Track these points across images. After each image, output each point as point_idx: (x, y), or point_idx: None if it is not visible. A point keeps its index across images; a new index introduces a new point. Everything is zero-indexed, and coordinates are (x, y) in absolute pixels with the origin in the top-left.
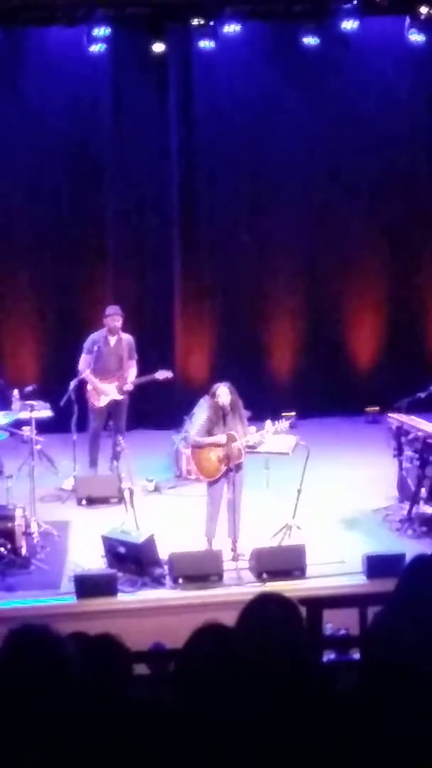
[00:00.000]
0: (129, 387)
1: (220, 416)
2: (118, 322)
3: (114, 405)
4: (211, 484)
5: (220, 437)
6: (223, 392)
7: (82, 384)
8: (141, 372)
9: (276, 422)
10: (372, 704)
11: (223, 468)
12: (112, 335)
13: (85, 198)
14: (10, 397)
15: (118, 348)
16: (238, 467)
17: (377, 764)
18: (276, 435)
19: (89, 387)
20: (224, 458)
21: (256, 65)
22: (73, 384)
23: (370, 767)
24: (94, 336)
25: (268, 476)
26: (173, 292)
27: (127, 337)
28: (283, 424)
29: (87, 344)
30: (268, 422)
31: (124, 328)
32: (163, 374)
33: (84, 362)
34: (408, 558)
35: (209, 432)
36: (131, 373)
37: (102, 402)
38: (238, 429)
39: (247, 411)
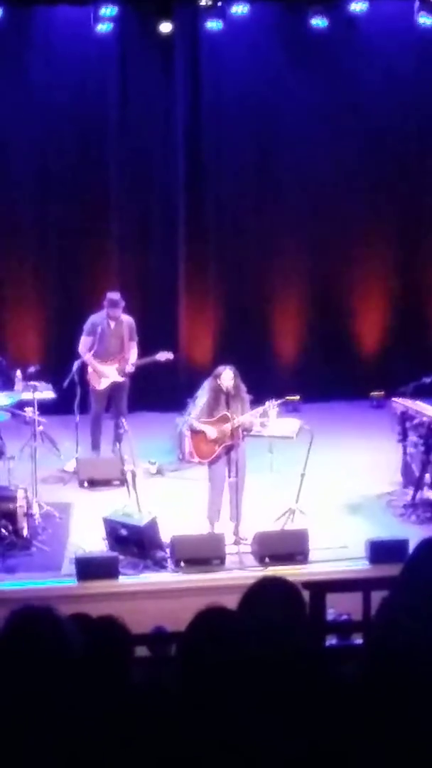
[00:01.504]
0: (130, 369)
1: (221, 399)
2: (118, 313)
3: (115, 387)
4: (210, 466)
5: (209, 426)
6: (227, 375)
7: (83, 366)
8: (143, 353)
9: (273, 401)
10: (375, 689)
11: (217, 449)
12: (113, 318)
13: (90, 178)
14: (13, 377)
15: (119, 330)
16: (235, 448)
17: (379, 750)
18: (273, 420)
19: (89, 369)
20: (217, 440)
21: (263, 46)
22: (76, 365)
23: (372, 752)
24: (94, 318)
25: (271, 460)
26: (178, 273)
27: (127, 319)
28: (275, 403)
29: (87, 326)
30: (267, 402)
31: (128, 310)
32: (163, 355)
33: (84, 345)
34: (412, 543)
35: (209, 414)
36: (132, 354)
37: (102, 385)
38: (239, 412)
39: (250, 395)
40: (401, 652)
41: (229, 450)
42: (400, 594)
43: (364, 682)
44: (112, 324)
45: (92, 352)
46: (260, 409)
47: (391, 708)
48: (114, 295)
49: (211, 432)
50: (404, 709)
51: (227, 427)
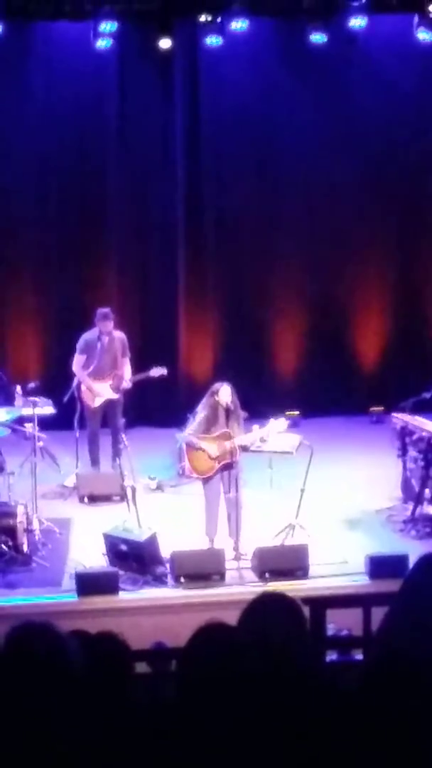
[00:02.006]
0: (127, 385)
1: (219, 415)
2: (110, 327)
3: (109, 404)
4: (205, 482)
5: (209, 443)
6: (225, 391)
7: (78, 384)
8: (142, 368)
9: (274, 419)
10: (375, 704)
11: (216, 466)
12: (105, 335)
13: (89, 193)
14: (13, 393)
15: (112, 346)
16: (233, 466)
17: (379, 765)
18: (273, 435)
19: (83, 388)
20: (217, 457)
21: (263, 62)
22: (75, 381)
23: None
24: (86, 336)
25: (271, 475)
26: (177, 288)
27: (119, 335)
28: (281, 423)
29: (80, 344)
30: (272, 420)
31: (127, 325)
32: (157, 371)
33: (77, 363)
34: (411, 559)
35: (206, 430)
36: (126, 371)
37: (97, 402)
38: (236, 429)
39: (244, 412)
40: (401, 668)
41: (226, 467)
42: (400, 610)
43: (363, 697)
44: (105, 341)
45: (87, 371)
46: (266, 429)
47: (391, 723)
48: (104, 309)
49: (212, 449)
50: (404, 724)
51: (228, 444)
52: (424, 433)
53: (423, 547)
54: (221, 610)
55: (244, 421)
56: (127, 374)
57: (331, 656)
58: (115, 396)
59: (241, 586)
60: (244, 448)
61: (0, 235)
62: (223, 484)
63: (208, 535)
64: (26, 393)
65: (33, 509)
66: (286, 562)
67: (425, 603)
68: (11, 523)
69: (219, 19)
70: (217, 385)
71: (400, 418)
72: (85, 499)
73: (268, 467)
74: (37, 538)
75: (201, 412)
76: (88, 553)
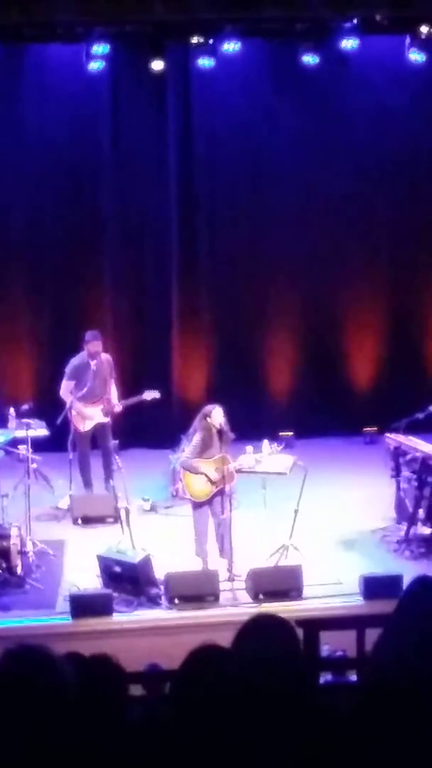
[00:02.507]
0: (117, 409)
1: (214, 438)
2: (99, 347)
3: (98, 427)
4: (195, 506)
5: (209, 467)
6: (218, 413)
7: (69, 408)
8: (135, 391)
9: (273, 444)
10: (369, 726)
11: (214, 490)
12: (94, 359)
13: (82, 214)
14: (7, 415)
15: (101, 370)
16: (224, 489)
17: None
18: (267, 456)
19: (73, 412)
20: (216, 481)
21: (255, 83)
22: (69, 403)
23: None
24: (74, 361)
25: (265, 496)
26: (171, 309)
27: (106, 357)
28: (277, 448)
29: (68, 369)
30: (266, 442)
31: (116, 348)
32: (150, 395)
33: (65, 389)
34: (406, 579)
35: (201, 453)
36: (113, 393)
37: (87, 427)
38: (227, 450)
39: (232, 434)
40: (395, 690)
41: (221, 492)
42: (393, 632)
43: (358, 719)
44: (94, 364)
45: (78, 395)
46: (261, 453)
47: (385, 745)
48: (93, 331)
49: (212, 474)
50: (398, 746)
51: (226, 468)
52: (417, 454)
53: (417, 568)
54: (215, 632)
55: (232, 442)
56: (113, 396)
57: (326, 677)
58: (105, 420)
59: (235, 607)
60: (238, 470)
61: None
62: (211, 506)
63: (198, 556)
64: (19, 415)
65: (27, 531)
66: (280, 583)
67: (419, 625)
68: (5, 545)
69: (211, 41)
70: (209, 408)
71: (393, 438)
72: (79, 521)
73: (261, 488)
74: (30, 560)
75: (196, 435)
76: (82, 575)
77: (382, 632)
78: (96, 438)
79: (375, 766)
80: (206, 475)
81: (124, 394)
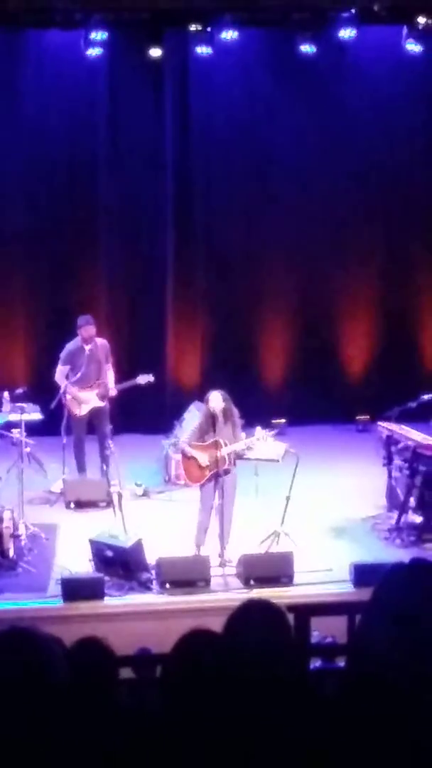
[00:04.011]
0: (112, 393)
1: (210, 423)
2: (92, 331)
3: (95, 411)
4: (201, 488)
5: (200, 452)
6: (215, 398)
7: (63, 393)
8: (129, 375)
9: (265, 430)
10: (355, 712)
11: (208, 474)
12: (88, 344)
13: (79, 201)
14: (0, 399)
15: (96, 354)
16: (226, 473)
17: None
18: (262, 442)
19: (68, 397)
20: (209, 465)
21: (253, 72)
22: (62, 387)
23: None
24: (69, 346)
25: (257, 483)
26: (165, 295)
27: (102, 342)
28: (269, 433)
29: (63, 354)
30: (258, 428)
31: (111, 333)
32: (144, 378)
33: (60, 373)
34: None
35: (200, 438)
36: (109, 377)
37: (82, 411)
38: (228, 437)
39: (241, 419)
40: (375, 673)
41: (217, 475)
42: (371, 617)
43: (345, 701)
44: (88, 349)
45: (72, 379)
46: (252, 439)
47: (371, 730)
48: (85, 315)
49: (203, 459)
50: (384, 731)
51: (219, 453)
52: (409, 442)
53: (407, 556)
54: (206, 617)
55: (240, 429)
56: (110, 381)
57: (315, 663)
58: (101, 404)
59: (226, 592)
60: (238, 456)
61: None
62: (216, 492)
63: (196, 542)
64: (13, 399)
65: (19, 514)
66: (271, 570)
67: (392, 612)
68: None
69: (209, 29)
70: (210, 392)
71: (385, 426)
72: (72, 505)
73: (254, 475)
74: (23, 543)
75: (191, 419)
76: (74, 559)
77: (361, 618)
78: (93, 423)
79: (363, 751)
80: (197, 460)
81: (119, 379)
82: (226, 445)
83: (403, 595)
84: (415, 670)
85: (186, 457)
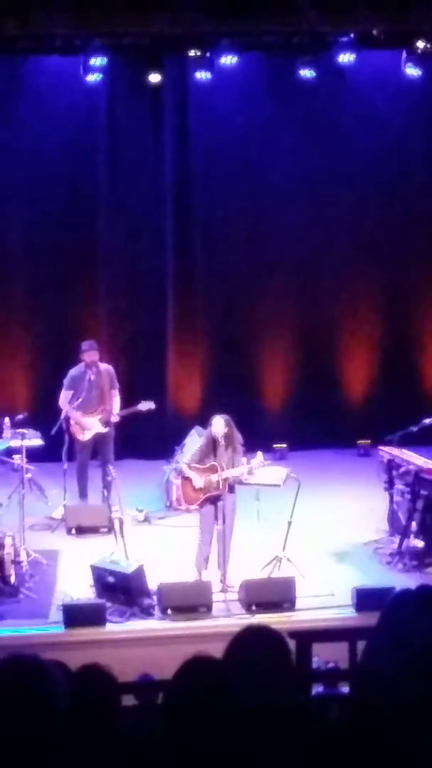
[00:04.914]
0: (115, 419)
1: (211, 447)
2: (95, 356)
3: (99, 437)
4: (201, 512)
5: (196, 474)
6: (218, 423)
7: (66, 419)
8: (130, 401)
9: (265, 460)
10: (360, 738)
11: (202, 497)
12: (91, 369)
13: (78, 226)
14: (1, 425)
15: (99, 380)
16: (219, 498)
17: None
18: (263, 468)
19: (72, 422)
20: (203, 488)
21: (252, 97)
22: (64, 413)
23: None
24: (73, 372)
25: (258, 508)
26: (166, 321)
27: (106, 367)
28: (264, 463)
29: (67, 380)
30: (259, 453)
31: (112, 359)
32: (145, 405)
33: (64, 398)
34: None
35: (200, 460)
36: (115, 403)
37: (86, 436)
38: (227, 462)
39: (242, 447)
40: (382, 699)
41: (215, 500)
42: (377, 644)
43: (349, 729)
44: (92, 375)
45: (74, 405)
46: (248, 467)
47: (377, 754)
48: (89, 341)
49: (197, 481)
50: (388, 754)
51: (214, 477)
52: (410, 467)
53: (409, 580)
54: (208, 643)
55: (241, 455)
56: (116, 407)
57: (317, 689)
58: (104, 430)
59: (228, 618)
60: (238, 481)
61: None
62: (216, 516)
63: (196, 567)
64: (14, 425)
65: (20, 541)
66: (273, 595)
67: (399, 638)
68: None
69: (208, 55)
70: (213, 417)
71: (387, 451)
72: (73, 531)
73: (255, 500)
74: (24, 569)
75: (192, 443)
76: (75, 585)
77: (366, 645)
78: (96, 448)
79: None
80: (191, 481)
81: (120, 405)
82: (223, 469)
83: (411, 623)
84: (422, 698)
85: (183, 478)
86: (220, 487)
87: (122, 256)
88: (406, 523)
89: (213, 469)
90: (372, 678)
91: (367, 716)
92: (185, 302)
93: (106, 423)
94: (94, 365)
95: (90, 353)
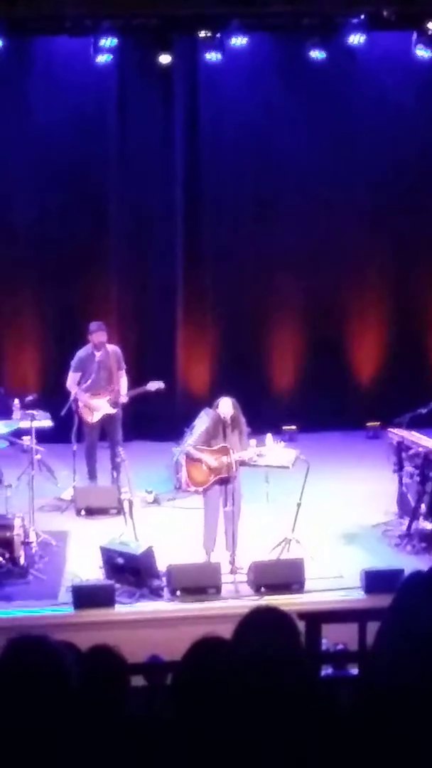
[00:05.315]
0: (124, 400)
1: (219, 428)
2: (104, 337)
3: (107, 418)
4: (204, 496)
5: (208, 455)
6: (225, 404)
7: (75, 400)
8: (139, 382)
9: (277, 440)
10: (370, 721)
11: (212, 478)
12: (99, 350)
13: (88, 208)
14: (11, 406)
15: (107, 362)
16: (231, 480)
17: None
18: (272, 449)
19: (80, 404)
20: (214, 470)
21: (262, 78)
22: (73, 395)
23: None
24: (80, 353)
25: (267, 490)
26: (175, 302)
27: (113, 348)
28: (279, 444)
29: (74, 362)
30: (269, 436)
31: (121, 340)
32: (154, 385)
33: (72, 380)
34: (407, 574)
35: (207, 443)
36: (123, 384)
37: (95, 418)
38: (234, 444)
39: (248, 428)
40: (392, 683)
41: (223, 481)
42: (388, 627)
43: (358, 712)
44: (99, 356)
45: (83, 387)
46: (259, 448)
47: (386, 740)
48: (97, 322)
49: (210, 461)
50: (397, 738)
51: (225, 459)
52: (420, 449)
53: (418, 562)
54: (217, 624)
55: (246, 437)
56: (123, 387)
57: (326, 671)
58: (112, 411)
59: (237, 599)
60: (243, 463)
61: None
62: (222, 498)
63: (205, 548)
64: (24, 406)
65: (30, 522)
66: (281, 576)
67: (411, 621)
68: (8, 535)
69: (218, 36)
70: (219, 399)
71: (396, 433)
72: (82, 512)
73: (264, 481)
74: (34, 550)
75: (200, 425)
76: (84, 566)
77: (380, 627)
78: (105, 430)
79: (375, 759)
80: (205, 462)
81: (129, 386)
82: (234, 451)
83: (423, 605)
84: None
85: (191, 460)
86: (233, 468)
87: (132, 237)
88: (415, 505)
89: (224, 451)
90: (383, 660)
91: (377, 699)
92: (195, 283)
93: (115, 404)
94: (102, 346)
95: (98, 334)
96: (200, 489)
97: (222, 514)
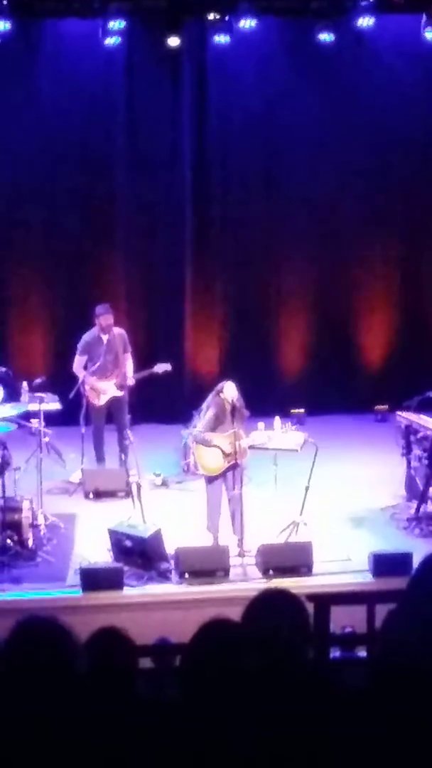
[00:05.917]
0: (130, 382)
1: (227, 413)
2: (110, 320)
3: (114, 401)
4: (209, 480)
5: (223, 440)
6: (230, 388)
7: (82, 383)
8: (147, 365)
9: (284, 424)
10: (379, 701)
11: (227, 465)
12: (106, 333)
13: (97, 190)
14: (19, 389)
15: (113, 344)
16: (237, 465)
17: (382, 763)
18: (281, 434)
19: (87, 387)
20: (230, 455)
21: (270, 61)
22: (81, 377)
23: (376, 766)
24: (86, 337)
25: (276, 473)
26: (184, 286)
27: (119, 331)
28: (288, 427)
29: (80, 345)
30: (277, 419)
31: (129, 322)
32: (161, 367)
33: (78, 364)
34: (415, 557)
35: (214, 428)
36: (128, 366)
37: (102, 401)
38: (240, 427)
39: (247, 411)
40: (405, 666)
41: (233, 465)
42: (404, 608)
43: (368, 693)
44: (105, 339)
45: (89, 370)
46: (273, 429)
47: (397, 722)
48: (104, 304)
49: (226, 447)
50: (408, 721)
51: (239, 444)
52: (428, 432)
53: (427, 545)
54: (225, 607)
55: (246, 419)
56: (129, 370)
57: (334, 653)
58: (119, 394)
59: (245, 582)
60: (252, 446)
61: (6, 232)
62: (225, 482)
63: (209, 531)
64: (32, 389)
65: (38, 504)
66: (290, 559)
67: (428, 603)
68: (16, 518)
69: (227, 18)
70: (221, 384)
71: (404, 416)
72: (91, 495)
73: (272, 464)
74: (42, 533)
75: (209, 410)
76: (92, 549)
77: (393, 609)
78: (112, 412)
79: (386, 741)
80: (220, 449)
81: (137, 368)
82: (246, 436)
83: None
84: None
85: (207, 446)
86: (246, 453)
87: (139, 220)
88: (423, 489)
89: (237, 436)
90: (395, 642)
91: (389, 681)
92: (203, 266)
93: (122, 387)
94: (109, 329)
95: (105, 317)
96: (212, 476)
97: (227, 497)
